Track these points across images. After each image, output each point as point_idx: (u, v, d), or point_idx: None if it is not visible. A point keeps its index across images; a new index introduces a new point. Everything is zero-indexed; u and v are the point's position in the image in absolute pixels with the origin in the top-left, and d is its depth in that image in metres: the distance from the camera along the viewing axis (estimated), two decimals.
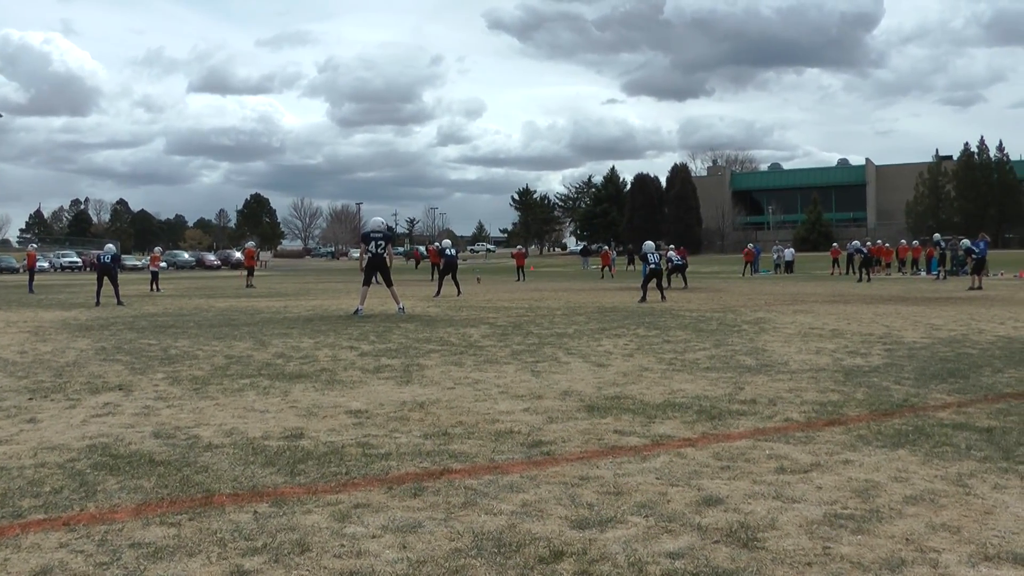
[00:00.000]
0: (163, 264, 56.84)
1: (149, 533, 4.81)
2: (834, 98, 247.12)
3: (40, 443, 7.10)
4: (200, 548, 4.56)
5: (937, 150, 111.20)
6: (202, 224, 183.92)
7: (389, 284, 20.51)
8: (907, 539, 4.56)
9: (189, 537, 4.73)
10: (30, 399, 9.24)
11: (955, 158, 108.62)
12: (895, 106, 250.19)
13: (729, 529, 4.75)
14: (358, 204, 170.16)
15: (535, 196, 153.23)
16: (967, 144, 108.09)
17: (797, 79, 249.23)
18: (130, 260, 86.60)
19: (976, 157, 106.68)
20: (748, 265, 51.77)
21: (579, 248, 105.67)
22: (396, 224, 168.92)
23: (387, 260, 20.49)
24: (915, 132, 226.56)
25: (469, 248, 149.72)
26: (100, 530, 4.86)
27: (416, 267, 50.40)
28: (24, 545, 4.65)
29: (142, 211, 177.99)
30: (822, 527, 4.77)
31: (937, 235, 47.79)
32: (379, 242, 20.27)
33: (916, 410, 8.07)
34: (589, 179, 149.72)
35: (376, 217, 22.24)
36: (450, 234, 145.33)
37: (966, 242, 35.10)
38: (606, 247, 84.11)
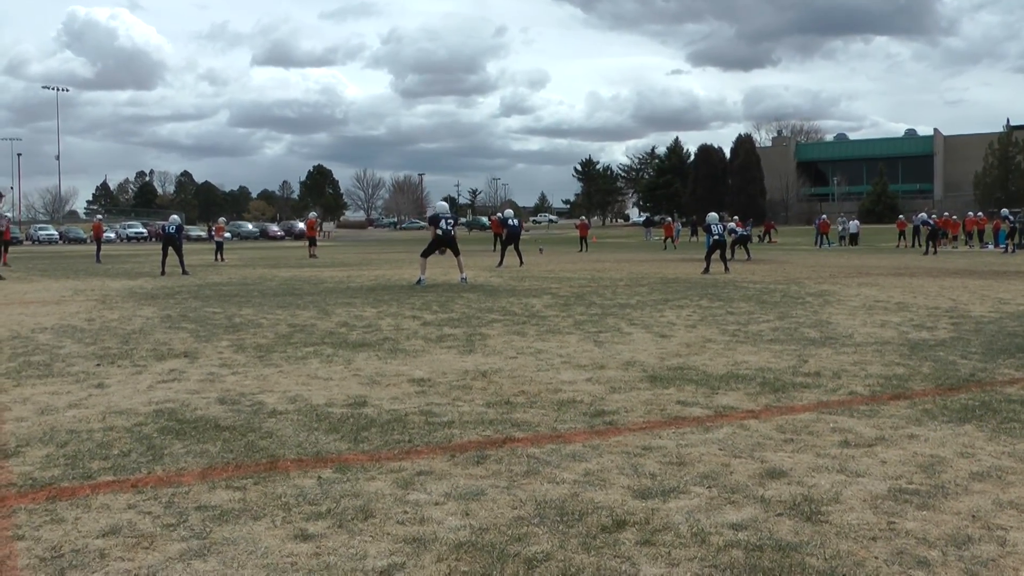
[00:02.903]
0: (227, 235, 57.33)
1: (215, 496, 4.88)
2: (902, 67, 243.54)
3: (108, 407, 7.23)
4: (265, 512, 4.62)
5: (1008, 120, 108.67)
6: (265, 195, 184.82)
7: (456, 253, 21.53)
8: (973, 516, 4.50)
9: (254, 501, 4.80)
10: (98, 365, 9.40)
11: None
12: (965, 75, 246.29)
13: (792, 502, 4.72)
14: (420, 175, 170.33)
15: (598, 167, 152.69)
16: None
17: (864, 48, 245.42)
18: (194, 231, 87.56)
19: None
20: (824, 236, 51.04)
21: (642, 219, 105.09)
22: (458, 195, 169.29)
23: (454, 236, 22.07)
24: (985, 101, 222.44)
25: (531, 219, 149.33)
26: (167, 492, 4.95)
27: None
28: (94, 505, 4.74)
29: (206, 183, 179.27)
30: (887, 502, 4.72)
31: (1005, 209, 46.80)
32: (448, 220, 21.55)
33: (983, 385, 7.94)
34: (652, 150, 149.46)
35: (441, 202, 24.76)
36: (512, 205, 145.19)
37: None
38: (669, 218, 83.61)
